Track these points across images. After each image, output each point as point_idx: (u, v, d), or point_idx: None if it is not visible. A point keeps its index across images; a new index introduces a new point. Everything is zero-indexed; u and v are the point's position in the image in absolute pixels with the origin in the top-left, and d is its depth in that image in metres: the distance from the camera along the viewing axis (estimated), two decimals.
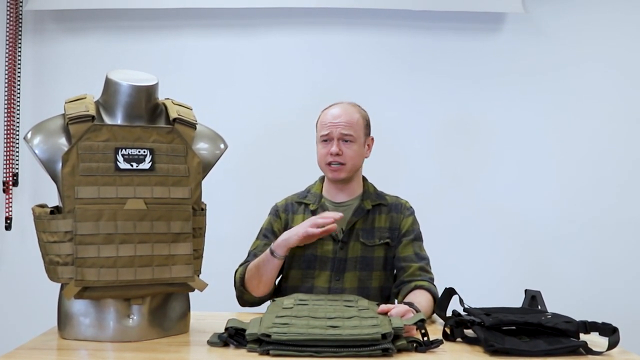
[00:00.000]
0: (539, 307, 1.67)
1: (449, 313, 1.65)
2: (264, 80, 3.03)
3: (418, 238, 1.94)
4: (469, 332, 1.48)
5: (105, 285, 1.34)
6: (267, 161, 2.99)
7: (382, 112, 2.95)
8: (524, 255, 3.02)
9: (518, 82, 3.02)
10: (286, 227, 1.92)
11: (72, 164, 1.35)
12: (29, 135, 1.41)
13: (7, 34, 2.98)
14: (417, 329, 1.41)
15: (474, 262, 2.98)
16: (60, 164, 1.35)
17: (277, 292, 1.92)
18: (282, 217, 1.96)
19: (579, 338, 1.44)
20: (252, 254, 1.89)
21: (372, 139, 1.99)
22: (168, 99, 1.56)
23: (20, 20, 3.01)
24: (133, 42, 3.03)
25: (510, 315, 1.50)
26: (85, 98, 1.47)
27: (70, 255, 1.34)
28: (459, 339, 1.48)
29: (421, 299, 1.72)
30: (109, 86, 1.47)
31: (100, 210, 1.34)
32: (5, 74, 2.98)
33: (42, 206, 1.43)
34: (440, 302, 1.71)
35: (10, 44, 2.99)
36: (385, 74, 3.02)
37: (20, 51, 3.02)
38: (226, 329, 1.39)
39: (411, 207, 1.99)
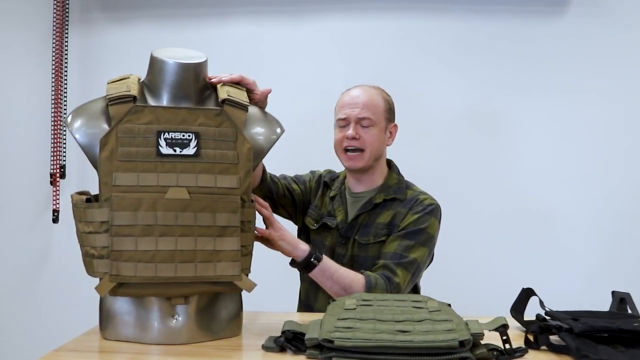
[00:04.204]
0: (630, 311, 1.48)
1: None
2: (310, 67, 2.90)
3: (411, 237, 1.68)
4: (554, 338, 1.30)
5: (142, 281, 1.21)
6: (306, 152, 2.82)
7: (435, 101, 2.81)
8: (557, 254, 2.81)
9: (584, 69, 2.79)
10: (307, 198, 1.85)
11: (110, 148, 1.22)
12: (69, 119, 1.30)
13: (54, 24, 2.95)
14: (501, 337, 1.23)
15: (499, 260, 2.81)
16: (99, 149, 1.23)
17: None
18: (314, 185, 1.87)
19: None
20: (282, 176, 1.86)
21: (396, 126, 1.83)
22: None
23: (67, 10, 2.97)
24: (178, 30, 2.97)
25: (600, 321, 1.31)
26: (129, 78, 1.35)
27: (105, 248, 1.21)
28: (543, 347, 1.30)
29: (347, 271, 1.60)
30: (154, 65, 1.34)
31: (139, 199, 1.21)
32: (53, 65, 2.95)
33: (83, 193, 1.31)
34: (517, 304, 1.52)
35: (57, 34, 2.95)
36: (439, 62, 2.85)
37: (67, 41, 2.99)
38: (283, 332, 1.25)
39: (429, 206, 1.73)
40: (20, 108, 2.99)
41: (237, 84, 1.42)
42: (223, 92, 1.34)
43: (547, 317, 1.39)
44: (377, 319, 1.27)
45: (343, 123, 1.74)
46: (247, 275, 1.30)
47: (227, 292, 1.32)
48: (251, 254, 1.32)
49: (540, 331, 1.32)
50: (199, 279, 1.24)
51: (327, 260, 1.57)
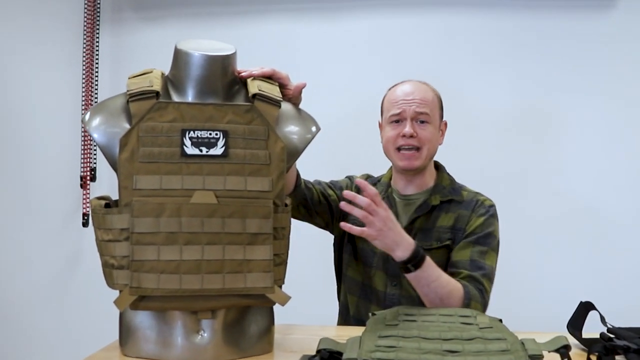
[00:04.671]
0: None
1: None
2: (346, 66, 2.76)
3: (482, 243, 1.56)
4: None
5: (166, 294, 1.10)
6: (339, 156, 2.70)
7: (477, 100, 2.66)
8: (617, 263, 2.61)
9: (632, 68, 2.60)
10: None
11: (131, 148, 1.12)
12: (86, 117, 1.20)
13: (85, 23, 2.89)
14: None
15: (552, 269, 2.62)
16: (118, 149, 1.13)
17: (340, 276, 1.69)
18: (353, 191, 1.70)
19: None
20: (317, 182, 1.73)
21: (446, 123, 1.70)
22: None
23: (98, 10, 2.91)
24: (209, 29, 2.87)
25: None
26: (152, 72, 1.25)
27: (126, 257, 1.11)
28: None
29: (447, 279, 1.43)
30: (178, 58, 1.24)
31: (162, 204, 1.11)
32: (83, 65, 2.89)
33: (103, 198, 1.21)
34: (574, 319, 1.38)
35: (88, 34, 2.89)
36: (481, 59, 2.68)
37: (98, 41, 2.92)
38: (318, 351, 1.13)
39: (491, 207, 1.63)
40: (50, 109, 2.94)
41: (269, 78, 1.31)
42: (254, 87, 1.23)
43: (611, 335, 1.25)
44: (422, 337, 1.15)
45: (397, 118, 1.62)
46: (280, 286, 1.19)
47: (259, 305, 1.21)
48: (285, 264, 1.20)
49: (605, 352, 1.18)
50: (227, 292, 1.13)
51: (429, 264, 1.41)
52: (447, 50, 2.71)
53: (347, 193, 1.34)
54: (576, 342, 1.30)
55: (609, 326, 1.30)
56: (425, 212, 1.61)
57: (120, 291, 1.13)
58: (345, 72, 2.75)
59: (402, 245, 1.37)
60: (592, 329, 1.33)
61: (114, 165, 1.16)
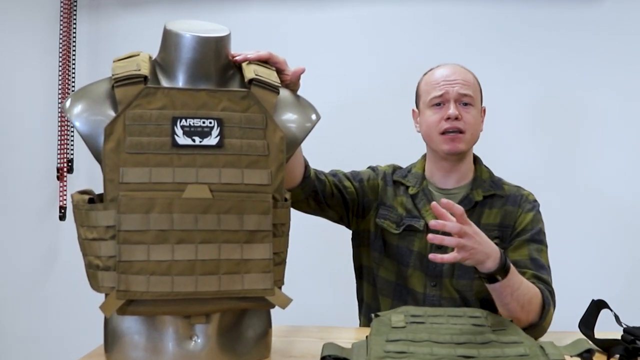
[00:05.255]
0: None
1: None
2: (335, 56, 2.66)
3: (537, 240, 1.49)
4: None
5: (157, 298, 1.01)
6: (329, 149, 2.60)
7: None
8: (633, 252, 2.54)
9: (623, 57, 2.54)
10: (365, 199, 1.59)
11: (117, 138, 1.02)
12: (67, 104, 1.09)
13: (62, 9, 2.76)
14: None
15: (571, 260, 2.50)
16: (103, 139, 1.03)
17: (371, 278, 1.60)
18: (380, 183, 1.62)
19: None
20: (332, 172, 1.62)
21: (484, 109, 1.62)
22: None
23: None
24: (192, 15, 2.70)
25: None
26: (139, 55, 1.14)
27: (112, 258, 1.01)
28: None
29: (527, 285, 1.33)
30: (168, 39, 1.14)
31: (152, 199, 1.01)
32: (60, 53, 2.76)
33: (85, 192, 1.10)
34: (586, 318, 1.32)
35: (65, 20, 2.77)
36: (471, 48, 2.58)
37: (75, 28, 2.79)
38: (323, 357, 1.05)
39: (535, 201, 1.56)
40: (25, 98, 2.81)
41: (265, 62, 1.21)
42: (250, 71, 1.13)
43: (631, 336, 1.18)
44: (434, 341, 1.08)
45: (439, 101, 1.52)
46: (280, 287, 1.10)
47: (257, 309, 1.12)
48: (285, 263, 1.11)
49: (627, 355, 1.12)
50: (223, 294, 1.04)
51: (513, 271, 1.29)
52: (440, 40, 2.62)
53: (435, 224, 1.21)
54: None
55: (624, 326, 1.23)
56: (468, 208, 1.50)
57: (106, 295, 1.03)
58: (334, 61, 2.65)
59: (492, 256, 1.25)
60: (600, 328, 1.28)
61: (97, 156, 1.06)
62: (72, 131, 2.76)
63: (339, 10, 2.68)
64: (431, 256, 1.21)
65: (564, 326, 1.39)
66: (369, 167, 1.68)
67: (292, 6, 2.71)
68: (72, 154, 2.77)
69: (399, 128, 2.49)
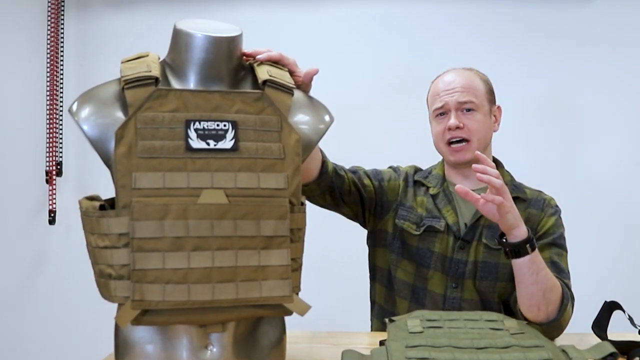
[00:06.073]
0: None
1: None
2: (330, 56, 2.65)
3: (558, 244, 1.49)
4: None
5: (173, 307, 0.97)
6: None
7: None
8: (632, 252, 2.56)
9: (615, 55, 2.57)
10: (385, 199, 1.58)
11: (128, 142, 0.98)
12: (74, 107, 1.04)
13: (49, 9, 2.71)
14: None
15: (571, 260, 2.52)
16: (114, 143, 0.99)
17: (385, 279, 1.58)
18: (401, 184, 1.61)
19: None
20: (353, 169, 1.60)
21: (499, 108, 1.60)
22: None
23: None
24: (182, 15, 2.66)
25: None
26: (148, 56, 1.10)
27: (125, 266, 0.97)
28: None
29: (550, 272, 1.33)
30: (178, 39, 1.10)
31: (166, 205, 0.97)
32: (48, 53, 2.72)
33: (93, 198, 1.06)
34: (599, 319, 1.31)
35: (52, 21, 2.72)
36: (464, 49, 2.60)
37: (62, 28, 2.75)
38: None
39: (556, 206, 1.57)
40: (12, 100, 2.75)
41: (275, 63, 1.18)
42: (263, 72, 1.10)
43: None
44: (454, 346, 1.06)
45: (441, 111, 1.54)
46: (297, 294, 1.07)
47: (274, 316, 1.09)
48: (301, 268, 1.08)
49: None
50: (241, 302, 1.00)
51: (538, 253, 1.31)
52: (440, 39, 2.63)
53: (476, 167, 1.23)
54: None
55: (639, 326, 1.23)
56: None
57: (120, 305, 0.99)
58: (331, 60, 2.63)
59: (522, 226, 1.27)
60: (612, 329, 1.28)
61: (107, 161, 1.02)
62: (61, 133, 2.71)
63: (330, 10, 2.68)
64: (459, 187, 1.24)
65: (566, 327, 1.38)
66: (390, 167, 1.67)
67: (285, 3, 2.70)
68: (61, 157, 2.72)
69: (398, 128, 2.48)
